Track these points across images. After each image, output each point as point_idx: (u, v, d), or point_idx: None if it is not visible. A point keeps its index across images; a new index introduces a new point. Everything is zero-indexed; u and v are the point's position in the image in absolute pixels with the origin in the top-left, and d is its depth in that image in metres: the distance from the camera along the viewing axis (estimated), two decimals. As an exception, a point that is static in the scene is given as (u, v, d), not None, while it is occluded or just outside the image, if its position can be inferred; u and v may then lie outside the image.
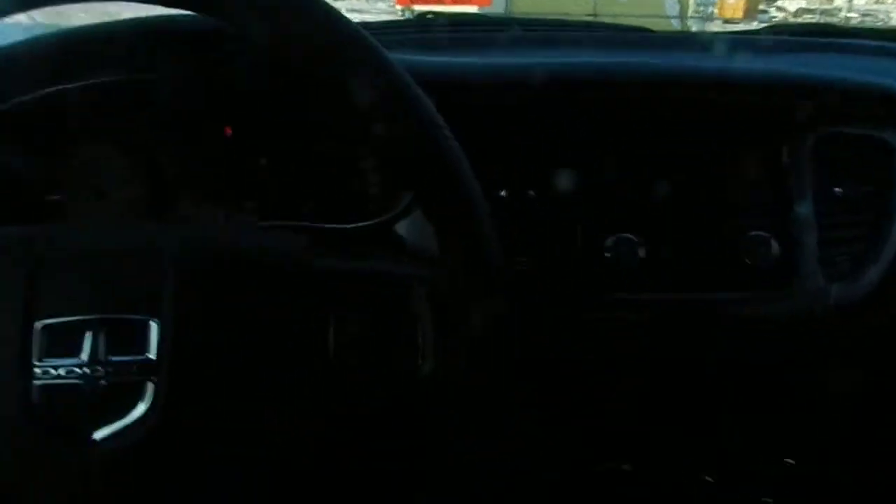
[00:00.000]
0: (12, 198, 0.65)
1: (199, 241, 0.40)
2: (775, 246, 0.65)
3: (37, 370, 0.36)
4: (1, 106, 0.62)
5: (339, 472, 0.43)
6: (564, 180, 0.66)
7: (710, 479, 0.69)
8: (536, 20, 1.24)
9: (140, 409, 0.36)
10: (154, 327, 0.37)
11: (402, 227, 0.71)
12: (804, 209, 0.64)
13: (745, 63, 0.71)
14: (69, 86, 0.63)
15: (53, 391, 0.36)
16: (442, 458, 0.45)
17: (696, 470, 0.70)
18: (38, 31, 0.64)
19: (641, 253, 0.65)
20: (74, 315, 0.37)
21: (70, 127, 0.69)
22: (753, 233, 0.65)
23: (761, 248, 0.65)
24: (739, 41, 0.96)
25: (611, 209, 0.66)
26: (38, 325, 0.36)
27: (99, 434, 0.36)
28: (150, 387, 0.36)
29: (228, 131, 0.74)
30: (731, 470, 0.70)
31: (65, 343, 0.36)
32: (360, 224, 0.70)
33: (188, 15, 0.63)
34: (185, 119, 0.72)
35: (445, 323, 0.42)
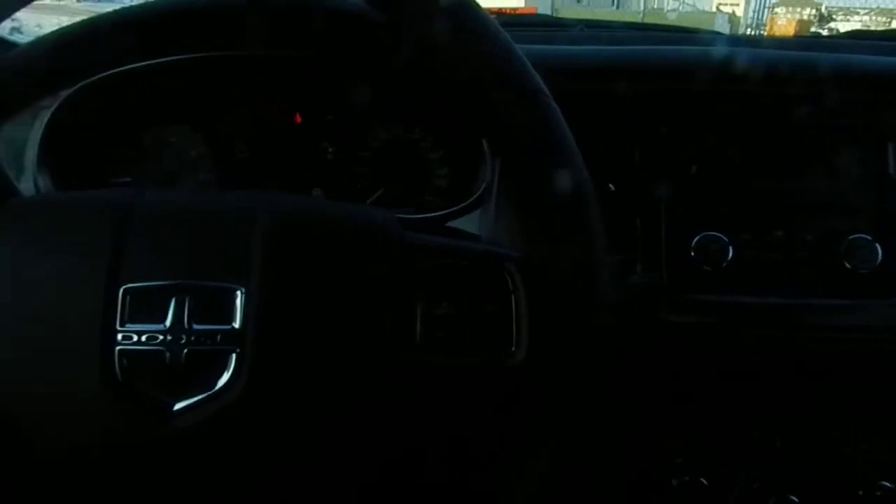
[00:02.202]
0: (81, 179, 0.65)
1: (289, 210, 0.38)
2: (879, 251, 0.60)
3: (119, 335, 0.34)
4: (70, 87, 0.63)
5: (419, 457, 0.41)
6: (647, 173, 0.63)
7: (795, 500, 0.64)
8: (600, 22, 1.22)
9: (222, 380, 0.34)
10: (240, 296, 0.35)
11: (472, 219, 0.69)
12: (913, 212, 0.60)
13: (845, 58, 0.67)
14: (141, 65, 0.63)
15: (135, 357, 0.34)
16: (524, 453, 0.41)
17: (782, 489, 0.64)
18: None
19: (730, 253, 0.61)
20: (159, 280, 0.35)
21: (142, 109, 0.69)
22: (855, 235, 0.60)
23: (863, 253, 0.60)
24: (824, 43, 0.92)
25: (699, 205, 0.62)
26: (122, 288, 0.34)
27: (179, 404, 0.34)
28: (233, 357, 0.34)
29: (298, 119, 0.73)
30: (818, 490, 0.64)
31: (148, 309, 0.35)
32: (429, 215, 0.68)
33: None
34: (256, 105, 0.71)
35: (542, 308, 0.38)
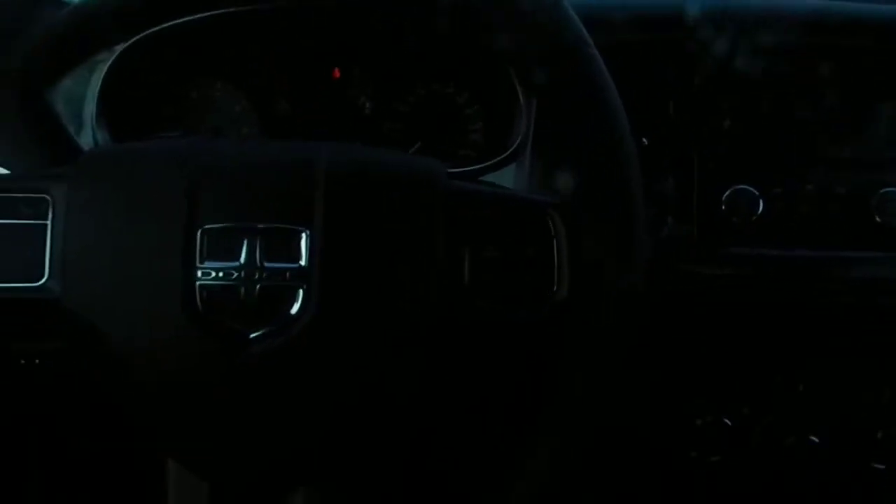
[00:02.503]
0: (135, 134, 0.68)
1: (347, 157, 0.41)
2: (910, 205, 0.61)
3: (198, 272, 0.38)
4: (121, 44, 0.65)
5: (464, 393, 0.44)
6: (680, 126, 0.64)
7: (815, 440, 0.67)
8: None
9: (291, 313, 0.38)
10: (304, 237, 0.38)
11: (505, 175, 0.71)
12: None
13: (878, 8, 0.66)
14: (185, 21, 0.65)
15: (213, 291, 0.38)
16: (564, 391, 0.45)
17: (801, 430, 0.67)
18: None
19: (760, 206, 0.62)
20: (232, 222, 0.38)
21: (189, 64, 0.72)
22: (886, 189, 0.61)
23: (894, 206, 0.61)
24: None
25: (731, 159, 0.63)
26: (200, 229, 0.38)
27: (253, 334, 0.38)
28: (301, 293, 0.38)
29: (337, 73, 0.75)
30: (838, 432, 0.67)
31: (224, 248, 0.38)
32: (466, 169, 0.70)
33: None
34: (296, 59, 0.73)
35: (582, 250, 0.41)
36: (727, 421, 0.67)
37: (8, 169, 0.55)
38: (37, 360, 0.62)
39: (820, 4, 0.64)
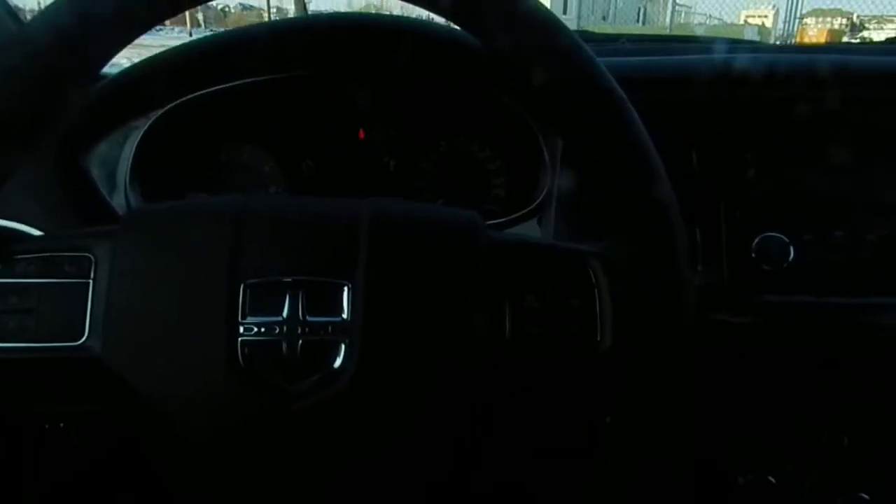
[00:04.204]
0: (166, 195, 0.70)
1: (388, 212, 0.41)
2: (943, 250, 0.60)
3: (241, 327, 0.37)
4: (155, 111, 0.68)
5: (507, 443, 0.43)
6: (706, 175, 0.64)
7: (865, 497, 0.64)
8: (641, 36, 1.24)
9: (334, 367, 0.37)
10: (346, 291, 0.38)
11: (531, 227, 0.71)
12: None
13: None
14: (215, 89, 0.68)
15: (255, 346, 0.37)
16: (610, 440, 0.43)
17: (850, 486, 0.64)
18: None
19: (791, 254, 0.62)
20: (275, 276, 0.38)
21: (219, 128, 0.74)
22: (918, 235, 0.61)
23: (927, 252, 0.60)
24: (871, 48, 0.93)
25: (758, 207, 0.63)
26: (242, 284, 0.38)
27: (296, 388, 0.37)
28: (343, 347, 0.37)
29: (362, 135, 0.77)
30: (889, 487, 0.64)
31: (266, 303, 0.38)
32: (490, 223, 0.71)
33: (330, 16, 0.68)
34: (321, 122, 0.75)
35: (624, 297, 0.41)
36: (771, 479, 0.64)
37: (43, 231, 0.56)
38: (62, 425, 0.61)
39: (838, 58, 0.66)
